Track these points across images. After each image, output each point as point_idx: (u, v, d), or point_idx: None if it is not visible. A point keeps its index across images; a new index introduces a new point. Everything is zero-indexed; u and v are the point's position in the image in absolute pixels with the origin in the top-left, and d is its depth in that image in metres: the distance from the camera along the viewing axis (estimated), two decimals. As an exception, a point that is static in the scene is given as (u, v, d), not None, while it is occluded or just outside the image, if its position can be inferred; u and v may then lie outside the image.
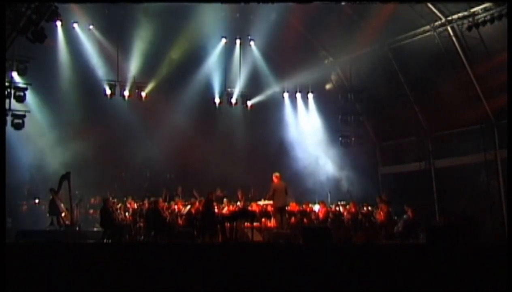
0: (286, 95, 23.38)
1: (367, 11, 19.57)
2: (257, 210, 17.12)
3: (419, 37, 19.84)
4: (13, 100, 17.59)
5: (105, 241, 14.88)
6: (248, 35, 21.89)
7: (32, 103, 18.95)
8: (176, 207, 17.04)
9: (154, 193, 17.53)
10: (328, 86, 24.20)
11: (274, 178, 17.12)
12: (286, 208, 17.34)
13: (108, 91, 20.23)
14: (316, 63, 22.87)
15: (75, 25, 19.81)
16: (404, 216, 16.92)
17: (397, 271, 10.01)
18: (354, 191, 20.05)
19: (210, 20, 20.33)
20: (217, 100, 22.05)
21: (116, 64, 20.18)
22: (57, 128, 19.74)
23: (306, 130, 23.38)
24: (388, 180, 22.92)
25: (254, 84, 22.38)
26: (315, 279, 9.52)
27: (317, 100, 23.57)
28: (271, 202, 17.13)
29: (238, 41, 21.92)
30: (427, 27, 19.33)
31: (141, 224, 16.24)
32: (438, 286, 9.81)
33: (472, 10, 17.65)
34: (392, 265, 10.35)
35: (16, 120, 17.46)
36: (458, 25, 18.58)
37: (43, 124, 19.59)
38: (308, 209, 18.31)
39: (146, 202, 16.76)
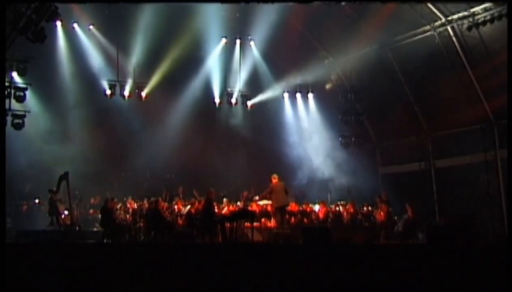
0: (286, 95, 23.38)
1: (367, 11, 19.56)
2: (257, 210, 17.14)
3: (419, 37, 19.85)
4: (13, 100, 17.58)
5: (105, 241, 14.88)
6: (248, 35, 21.87)
7: (32, 103, 18.96)
8: (176, 207, 17.04)
9: (154, 193, 17.51)
10: (328, 86, 24.18)
11: (272, 178, 17.19)
12: (286, 208, 17.35)
13: (108, 91, 20.23)
14: (316, 63, 22.86)
15: (75, 25, 19.82)
16: (404, 216, 16.92)
17: (397, 271, 10.01)
18: (354, 191, 20.05)
19: (210, 20, 20.33)
20: (217, 100, 22.03)
21: (116, 64, 20.19)
22: (57, 128, 19.76)
23: (306, 130, 23.38)
24: (388, 180, 22.91)
25: (254, 84, 22.37)
26: (315, 279, 9.52)
27: (317, 100, 23.56)
28: (270, 202, 17.16)
29: (238, 41, 21.91)
30: (427, 27, 19.34)
31: (141, 224, 16.23)
32: (438, 286, 9.80)
33: (472, 10, 17.66)
34: (392, 265, 10.35)
35: (16, 120, 17.46)
36: (458, 25, 18.60)
37: (43, 124, 19.60)
38: (308, 209, 18.32)
39: (146, 202, 16.76)
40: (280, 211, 16.92)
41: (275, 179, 17.17)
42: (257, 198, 17.65)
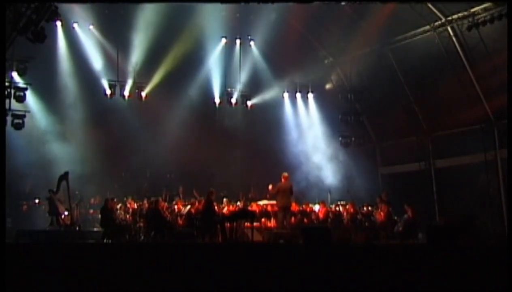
0: (286, 95, 23.38)
1: (367, 11, 19.58)
2: (257, 210, 17.14)
3: (419, 37, 19.87)
4: (13, 100, 17.60)
5: (105, 241, 14.88)
6: (248, 35, 21.90)
7: (32, 103, 18.97)
8: (176, 207, 17.04)
9: (154, 193, 17.52)
10: (328, 86, 24.21)
11: (282, 178, 17.14)
12: (289, 209, 17.33)
13: (108, 91, 20.26)
14: (316, 63, 22.89)
15: (75, 25, 19.83)
16: (404, 216, 16.92)
17: (397, 271, 10.01)
18: (354, 191, 20.05)
19: (210, 20, 20.34)
20: (217, 100, 22.05)
21: (116, 64, 20.19)
22: (57, 128, 19.76)
23: (305, 130, 23.37)
24: (388, 180, 22.91)
25: (254, 84, 22.38)
26: (315, 279, 9.51)
27: (317, 100, 23.58)
28: (271, 201, 17.16)
29: (238, 41, 21.93)
30: (427, 27, 19.35)
31: (141, 224, 16.23)
32: (438, 286, 9.80)
33: (472, 10, 17.68)
34: (392, 265, 10.34)
35: (16, 120, 17.47)
36: (458, 25, 18.61)
37: (43, 124, 19.60)
38: (308, 209, 18.31)
39: (146, 202, 16.76)
40: (284, 211, 16.91)
41: (284, 178, 17.13)
42: (266, 201, 17.61)
